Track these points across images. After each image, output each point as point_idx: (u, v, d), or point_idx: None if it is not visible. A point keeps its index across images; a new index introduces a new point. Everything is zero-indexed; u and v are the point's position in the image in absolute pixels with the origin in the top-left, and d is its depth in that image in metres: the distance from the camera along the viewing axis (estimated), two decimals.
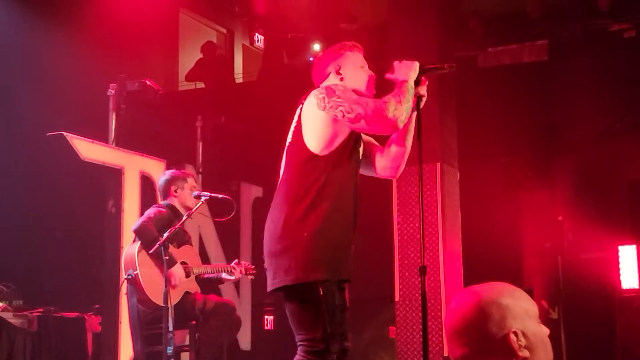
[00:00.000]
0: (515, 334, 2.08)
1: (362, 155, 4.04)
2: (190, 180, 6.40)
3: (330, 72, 4.08)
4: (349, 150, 3.89)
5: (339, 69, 4.06)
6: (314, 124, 3.85)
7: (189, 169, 8.39)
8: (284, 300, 3.81)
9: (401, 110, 3.76)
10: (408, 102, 3.81)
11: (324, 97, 3.82)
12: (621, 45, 8.36)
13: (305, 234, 3.72)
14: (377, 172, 4.14)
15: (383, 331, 8.34)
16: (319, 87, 4.04)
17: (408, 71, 3.90)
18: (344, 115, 3.76)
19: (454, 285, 7.38)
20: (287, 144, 3.99)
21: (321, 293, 3.68)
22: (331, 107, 3.78)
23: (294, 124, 3.96)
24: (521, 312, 2.11)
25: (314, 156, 3.84)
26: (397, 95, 3.80)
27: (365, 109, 3.75)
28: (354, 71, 4.05)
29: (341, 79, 4.03)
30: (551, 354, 2.14)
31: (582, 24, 8.50)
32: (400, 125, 3.80)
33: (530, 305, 2.15)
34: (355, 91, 3.93)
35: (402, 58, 4.07)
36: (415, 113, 3.97)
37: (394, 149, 4.04)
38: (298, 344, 3.76)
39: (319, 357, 3.68)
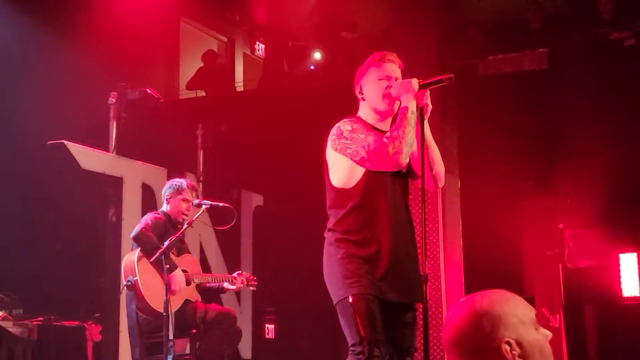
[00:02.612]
0: (509, 343, 2.05)
1: (409, 170, 4.15)
2: (186, 193, 6.41)
3: (357, 91, 4.21)
4: (379, 176, 4.02)
5: (361, 89, 4.18)
6: (333, 164, 4.10)
7: (190, 177, 8.39)
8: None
9: (401, 146, 3.90)
10: (409, 135, 3.93)
11: (334, 139, 4.06)
12: (621, 54, 8.35)
13: (340, 257, 3.98)
14: (416, 184, 4.24)
15: None
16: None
17: (407, 92, 3.96)
18: (351, 157, 3.99)
19: (454, 293, 7.37)
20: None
21: (352, 305, 3.88)
22: (341, 148, 4.03)
23: (324, 163, 4.19)
24: (514, 320, 2.08)
25: (341, 191, 4.07)
26: (397, 129, 3.93)
27: (367, 152, 3.96)
28: (372, 87, 4.13)
29: (363, 99, 4.17)
30: None
31: (582, 32, 8.50)
32: (403, 162, 3.95)
33: (527, 312, 2.12)
34: (373, 108, 4.11)
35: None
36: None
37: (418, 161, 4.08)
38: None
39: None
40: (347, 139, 3.99)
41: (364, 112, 4.16)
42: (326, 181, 4.14)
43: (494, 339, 2.06)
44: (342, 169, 4.04)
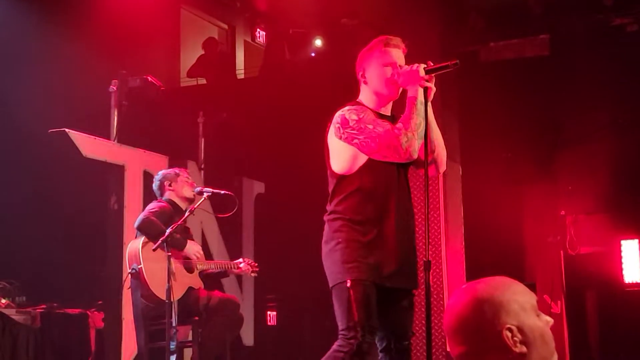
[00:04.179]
0: (510, 330, 2.06)
1: None
2: (183, 175, 6.45)
3: (359, 75, 4.18)
4: (381, 163, 3.99)
5: (364, 72, 4.15)
6: (335, 151, 4.07)
7: (191, 165, 8.40)
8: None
9: (414, 139, 3.89)
10: (420, 126, 3.91)
11: (339, 128, 4.02)
12: (623, 40, 8.33)
13: (340, 241, 3.97)
14: (419, 170, 4.22)
15: None
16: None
17: (414, 83, 3.93)
18: (359, 147, 3.96)
19: (456, 280, 7.39)
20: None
21: (350, 291, 3.88)
22: (347, 138, 3.98)
23: (325, 148, 4.16)
24: (516, 307, 2.08)
25: (342, 177, 4.05)
26: (408, 122, 3.91)
27: (377, 143, 3.92)
28: (376, 72, 4.10)
29: (365, 82, 4.13)
30: (552, 346, 2.11)
31: (584, 18, 8.47)
32: (415, 154, 3.93)
33: (528, 299, 2.12)
34: (377, 92, 4.09)
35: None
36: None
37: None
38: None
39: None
40: (353, 129, 3.95)
41: (366, 96, 4.14)
42: (327, 166, 4.13)
43: (495, 325, 2.07)
44: (344, 157, 4.02)
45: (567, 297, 8.84)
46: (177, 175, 6.43)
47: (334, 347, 3.92)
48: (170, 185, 6.40)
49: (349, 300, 3.87)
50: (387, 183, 4.02)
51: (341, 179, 4.05)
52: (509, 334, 2.06)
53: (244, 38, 13.28)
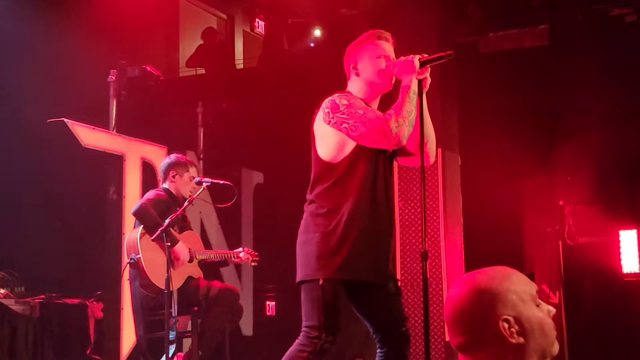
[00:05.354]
0: (507, 321, 2.06)
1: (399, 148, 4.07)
2: (192, 170, 6.39)
3: (350, 67, 4.17)
4: (367, 152, 3.97)
5: (356, 64, 4.14)
6: (322, 136, 4.03)
7: (190, 155, 8.39)
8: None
9: (404, 125, 3.87)
10: (411, 114, 3.90)
11: (328, 112, 3.98)
12: (622, 30, 8.32)
13: (317, 234, 3.94)
14: (406, 162, 4.25)
15: None
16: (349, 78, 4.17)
17: (409, 72, 3.94)
18: (348, 132, 3.93)
19: (455, 270, 7.39)
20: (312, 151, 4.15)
21: (320, 290, 3.88)
22: (335, 122, 3.94)
23: (311, 134, 4.12)
24: (514, 297, 2.08)
25: (327, 164, 4.01)
26: (400, 108, 3.89)
27: (368, 127, 3.88)
28: (369, 63, 4.10)
29: (357, 74, 4.12)
30: (553, 337, 2.11)
31: (583, 8, 8.47)
32: (404, 140, 3.90)
33: (527, 289, 2.12)
34: (370, 83, 4.08)
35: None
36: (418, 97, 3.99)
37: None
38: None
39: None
40: (343, 114, 3.92)
41: (356, 88, 4.13)
42: (312, 153, 4.10)
43: (492, 316, 2.07)
44: (332, 143, 3.98)
45: (566, 287, 8.86)
46: (187, 170, 6.33)
47: (297, 345, 3.94)
48: (174, 177, 6.35)
49: (318, 300, 3.88)
50: (371, 174, 3.99)
51: (326, 166, 4.01)
52: (506, 325, 2.06)
53: (242, 28, 13.26)
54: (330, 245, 3.91)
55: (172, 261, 5.89)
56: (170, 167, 6.39)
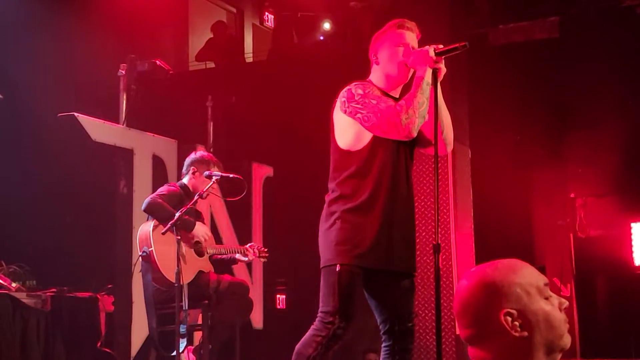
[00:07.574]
0: (510, 314, 2.05)
1: (418, 136, 4.06)
2: (214, 169, 6.34)
3: (372, 55, 4.20)
4: (386, 141, 3.99)
5: (377, 53, 4.16)
6: (340, 125, 4.06)
7: (200, 149, 8.39)
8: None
9: (414, 116, 3.88)
10: (423, 105, 3.91)
11: (344, 102, 4.01)
12: (633, 21, 8.29)
13: (337, 221, 3.99)
14: (426, 151, 4.26)
15: None
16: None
17: (423, 63, 3.95)
18: (361, 122, 3.96)
19: (466, 263, 7.38)
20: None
21: (337, 275, 3.95)
22: (351, 112, 3.98)
23: (331, 123, 4.15)
24: (518, 291, 2.07)
25: (346, 153, 4.04)
26: (411, 100, 3.90)
27: (379, 118, 3.91)
28: (388, 53, 4.11)
29: (377, 62, 4.14)
30: (562, 329, 2.09)
31: (593, 0, 8.43)
32: (414, 133, 3.93)
33: (533, 281, 2.10)
34: (387, 76, 4.10)
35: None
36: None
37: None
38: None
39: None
40: (358, 103, 3.96)
41: (376, 76, 4.15)
42: (332, 142, 4.13)
43: (495, 310, 2.07)
44: (349, 132, 4.01)
45: (577, 280, 8.85)
46: (208, 168, 6.29)
47: (312, 330, 4.02)
48: (194, 173, 6.33)
49: (334, 285, 3.95)
50: (391, 163, 4.02)
51: (345, 155, 4.04)
52: (509, 319, 2.05)
53: (252, 21, 13.26)
54: (349, 232, 3.95)
55: (183, 254, 5.90)
56: (193, 163, 6.39)
